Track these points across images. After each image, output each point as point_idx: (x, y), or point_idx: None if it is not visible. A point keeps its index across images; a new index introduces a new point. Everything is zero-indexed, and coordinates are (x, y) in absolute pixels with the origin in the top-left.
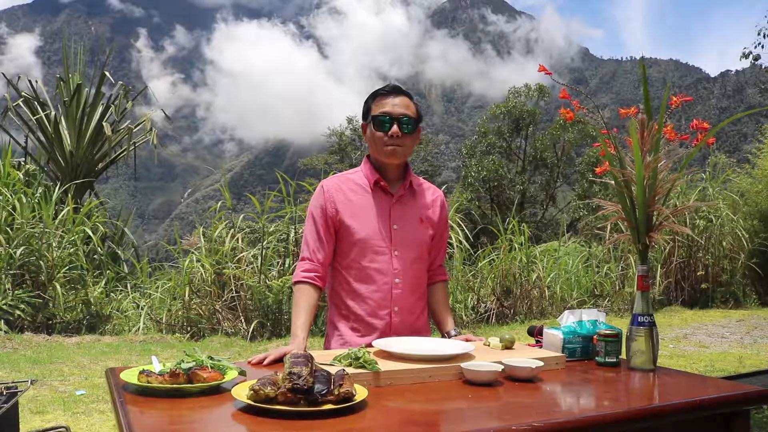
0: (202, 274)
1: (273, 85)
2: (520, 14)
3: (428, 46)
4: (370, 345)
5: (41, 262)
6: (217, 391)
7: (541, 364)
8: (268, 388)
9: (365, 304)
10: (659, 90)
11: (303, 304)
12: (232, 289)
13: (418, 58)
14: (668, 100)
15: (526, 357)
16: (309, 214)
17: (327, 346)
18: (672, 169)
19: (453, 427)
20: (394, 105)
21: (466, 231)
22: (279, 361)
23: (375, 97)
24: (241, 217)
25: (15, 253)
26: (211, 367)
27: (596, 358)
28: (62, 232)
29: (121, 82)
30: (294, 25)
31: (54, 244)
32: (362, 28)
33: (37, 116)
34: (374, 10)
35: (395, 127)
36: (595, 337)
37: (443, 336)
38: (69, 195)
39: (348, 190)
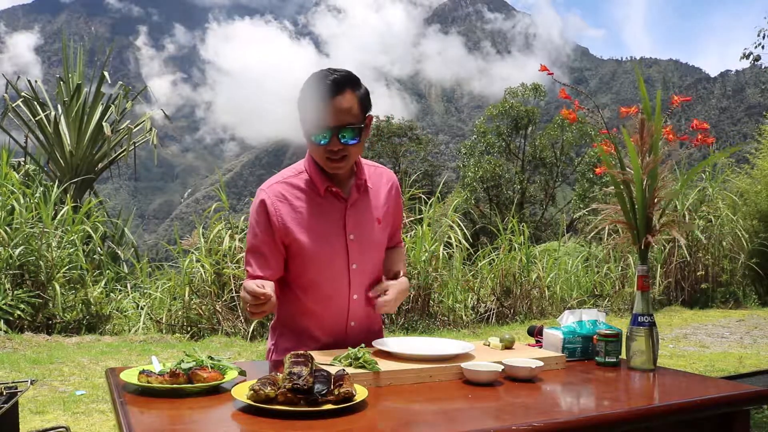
0: (201, 274)
1: (273, 84)
2: (518, 12)
3: (428, 45)
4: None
5: (41, 262)
6: (217, 391)
7: (541, 364)
8: (268, 388)
9: (320, 322)
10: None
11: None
12: (232, 289)
13: (418, 56)
14: (668, 100)
15: (526, 357)
16: (251, 229)
17: (269, 358)
18: (671, 169)
19: (453, 427)
20: (331, 112)
21: (465, 231)
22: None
23: (308, 94)
24: (242, 218)
25: (14, 253)
26: (211, 367)
27: (596, 358)
28: (62, 232)
29: (120, 83)
30: (293, 23)
31: (53, 244)
32: (362, 27)
33: (38, 117)
34: (374, 8)
35: (335, 141)
36: (595, 337)
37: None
38: (68, 195)
39: (294, 199)
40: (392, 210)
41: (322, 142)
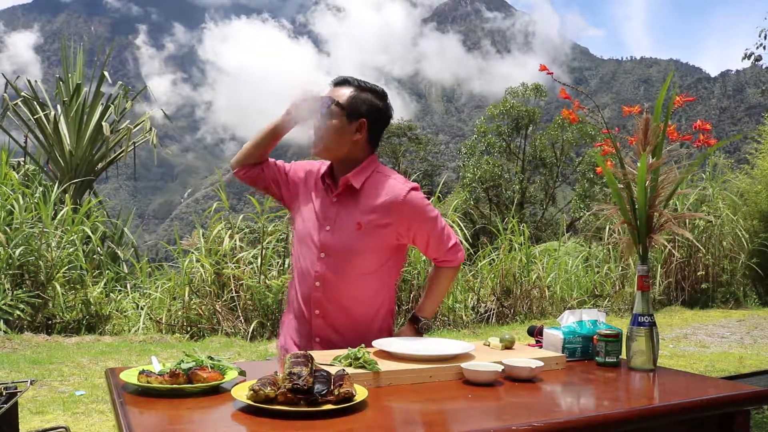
0: (201, 274)
1: (273, 83)
2: (517, 11)
3: (428, 45)
4: (370, 345)
5: (41, 262)
6: (217, 391)
7: (541, 364)
8: (268, 388)
9: (295, 299)
10: (660, 90)
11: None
12: (231, 289)
13: (418, 56)
14: (671, 99)
15: (526, 357)
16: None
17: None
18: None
19: (453, 427)
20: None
21: (465, 231)
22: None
23: None
24: (241, 217)
25: (14, 253)
26: (211, 367)
27: (596, 358)
28: (61, 232)
29: (120, 82)
30: (294, 22)
31: (53, 244)
32: (361, 26)
33: (37, 117)
34: (373, 8)
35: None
36: (595, 337)
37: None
38: (68, 195)
39: (312, 179)
40: (393, 222)
41: None
